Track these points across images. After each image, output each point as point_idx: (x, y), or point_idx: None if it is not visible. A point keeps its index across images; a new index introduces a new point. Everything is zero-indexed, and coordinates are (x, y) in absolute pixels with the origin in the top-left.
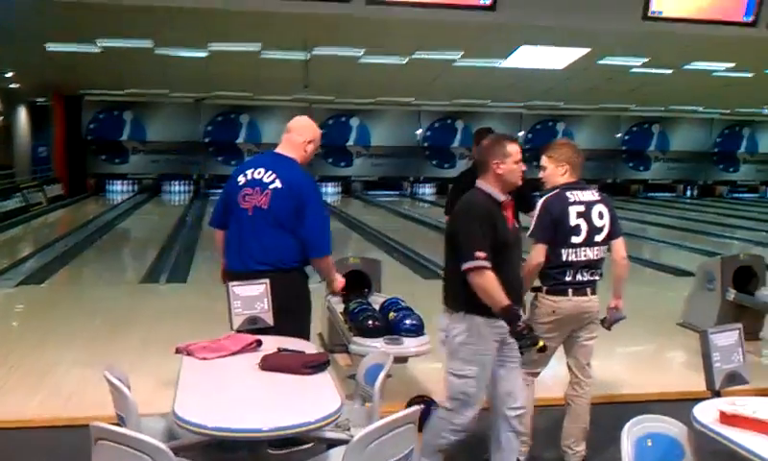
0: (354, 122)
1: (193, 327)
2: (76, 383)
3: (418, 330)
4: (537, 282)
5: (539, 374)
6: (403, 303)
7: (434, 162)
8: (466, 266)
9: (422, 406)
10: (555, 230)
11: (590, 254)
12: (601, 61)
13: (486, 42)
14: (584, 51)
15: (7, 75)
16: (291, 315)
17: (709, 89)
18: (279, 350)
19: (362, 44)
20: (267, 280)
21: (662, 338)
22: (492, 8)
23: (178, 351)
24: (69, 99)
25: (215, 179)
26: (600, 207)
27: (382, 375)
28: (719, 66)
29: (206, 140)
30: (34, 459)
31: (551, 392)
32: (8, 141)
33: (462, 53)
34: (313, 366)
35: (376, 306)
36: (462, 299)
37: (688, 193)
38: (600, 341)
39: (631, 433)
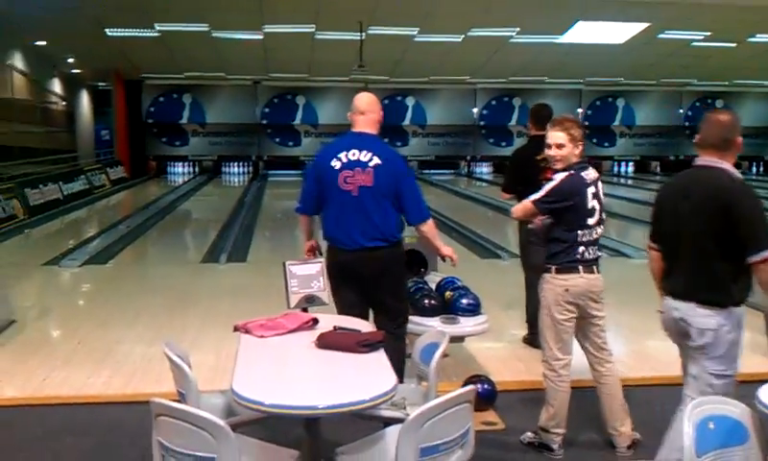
0: (410, 101)
1: (251, 305)
2: (139, 360)
3: (474, 310)
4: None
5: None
6: (459, 283)
7: (491, 140)
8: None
9: (478, 385)
10: (563, 209)
11: (600, 231)
12: (661, 36)
13: (543, 18)
14: (643, 25)
15: (68, 60)
16: (400, 283)
17: None
18: (335, 328)
19: (417, 23)
20: (322, 260)
21: None
22: None
23: (236, 328)
24: (129, 83)
25: (273, 160)
26: (600, 185)
27: (438, 353)
28: None
29: (264, 122)
30: (99, 434)
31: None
32: (71, 125)
33: (518, 29)
34: (368, 344)
35: (432, 285)
36: (734, 292)
37: (753, 169)
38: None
39: (692, 416)
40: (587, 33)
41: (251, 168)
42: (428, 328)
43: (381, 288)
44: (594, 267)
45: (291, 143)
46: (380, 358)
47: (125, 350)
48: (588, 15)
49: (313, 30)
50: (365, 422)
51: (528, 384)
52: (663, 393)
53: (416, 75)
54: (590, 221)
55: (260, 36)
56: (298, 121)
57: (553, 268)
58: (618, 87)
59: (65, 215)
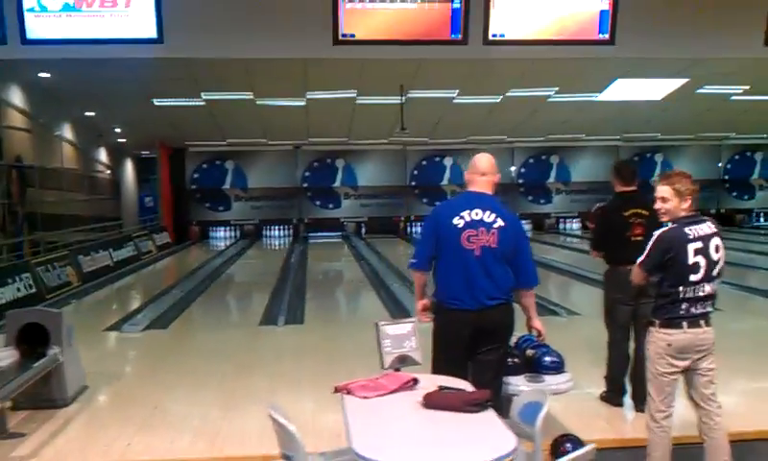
0: (448, 162)
1: (316, 367)
2: (218, 423)
3: (558, 367)
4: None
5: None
6: (538, 341)
7: (529, 198)
8: None
9: (568, 445)
10: (666, 265)
11: (708, 288)
12: (700, 91)
13: (582, 77)
14: (682, 81)
15: (115, 130)
16: (510, 338)
17: None
18: (440, 388)
19: (457, 85)
20: (415, 319)
21: None
22: (611, 42)
23: (337, 390)
24: (173, 151)
25: (314, 223)
26: (716, 241)
27: (543, 413)
28: None
29: (304, 185)
30: None
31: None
32: (116, 193)
33: (557, 89)
34: (476, 404)
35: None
36: None
37: None
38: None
39: None
40: (625, 90)
41: (291, 231)
42: (512, 387)
43: (493, 343)
44: (702, 321)
45: (331, 205)
46: (492, 418)
47: (201, 413)
48: (627, 73)
49: (354, 95)
50: None
51: (614, 442)
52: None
53: (453, 136)
54: (693, 277)
55: (303, 103)
56: (338, 183)
57: (657, 322)
58: (656, 143)
59: (117, 281)
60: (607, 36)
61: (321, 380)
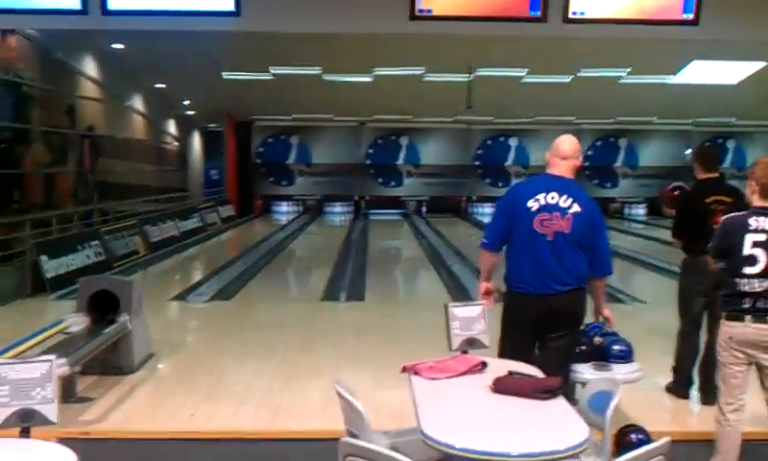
0: (513, 142)
1: (375, 343)
2: (281, 396)
3: (627, 356)
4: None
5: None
6: (606, 329)
7: (595, 182)
8: None
9: (633, 435)
10: (725, 254)
11: (767, 285)
12: None
13: (657, 58)
14: (761, 64)
15: (184, 102)
16: (580, 324)
17: None
18: (510, 373)
19: (526, 64)
20: (484, 302)
21: None
22: (695, 22)
23: (404, 369)
24: (240, 124)
25: (375, 200)
26: None
27: (614, 403)
28: None
29: (368, 162)
30: None
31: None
32: (182, 165)
33: (629, 69)
34: (547, 391)
35: None
36: None
37: None
38: None
39: None
40: (700, 73)
41: (352, 208)
42: (578, 374)
43: (562, 330)
44: None
45: (393, 183)
46: (564, 406)
47: (264, 385)
48: (704, 55)
49: (422, 72)
50: None
51: (678, 435)
52: None
53: (520, 115)
54: (748, 269)
55: (370, 79)
56: (401, 161)
57: (723, 313)
58: (729, 128)
59: (182, 252)
60: (691, 15)
61: (381, 357)
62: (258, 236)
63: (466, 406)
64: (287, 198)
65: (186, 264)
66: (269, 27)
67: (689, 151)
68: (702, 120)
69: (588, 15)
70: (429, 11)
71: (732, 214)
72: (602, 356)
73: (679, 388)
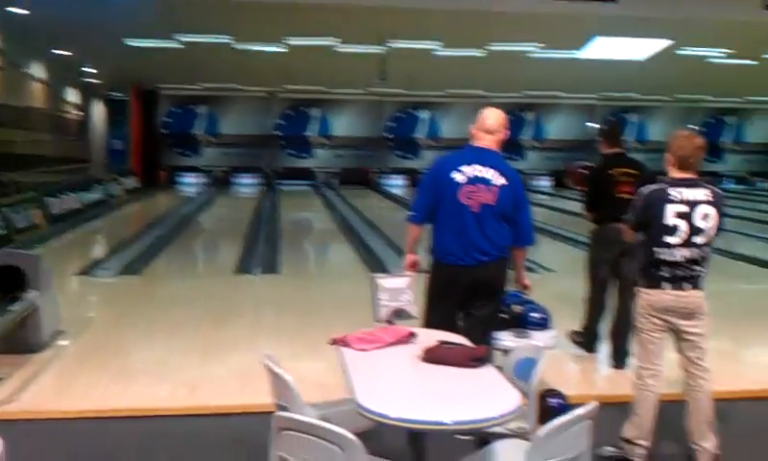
0: (424, 115)
1: (293, 316)
2: (197, 372)
3: (545, 324)
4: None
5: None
6: (524, 297)
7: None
8: None
9: (551, 400)
10: (646, 224)
11: (687, 253)
12: (681, 52)
13: (563, 33)
14: (667, 42)
15: (88, 70)
16: (499, 297)
17: None
18: (440, 342)
19: (440, 37)
20: (411, 274)
21: None
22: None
23: (334, 341)
24: (145, 93)
25: (285, 172)
26: (707, 209)
27: (538, 369)
28: None
29: (277, 133)
30: (173, 447)
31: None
32: (84, 134)
33: (538, 44)
34: (477, 359)
35: None
36: None
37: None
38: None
39: None
40: (606, 48)
41: (262, 179)
42: (499, 342)
43: (486, 299)
44: (687, 284)
45: (304, 155)
46: (494, 374)
47: (178, 361)
48: (607, 31)
49: (335, 42)
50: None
51: (599, 399)
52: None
53: (432, 89)
54: (669, 239)
55: (283, 49)
56: (311, 133)
57: (641, 281)
58: (632, 102)
59: (85, 225)
60: None
61: (298, 331)
62: (165, 209)
63: (398, 376)
64: (194, 169)
65: (90, 238)
66: None
67: (592, 124)
68: (606, 94)
69: None
70: None
71: (652, 186)
72: (521, 324)
73: (587, 341)
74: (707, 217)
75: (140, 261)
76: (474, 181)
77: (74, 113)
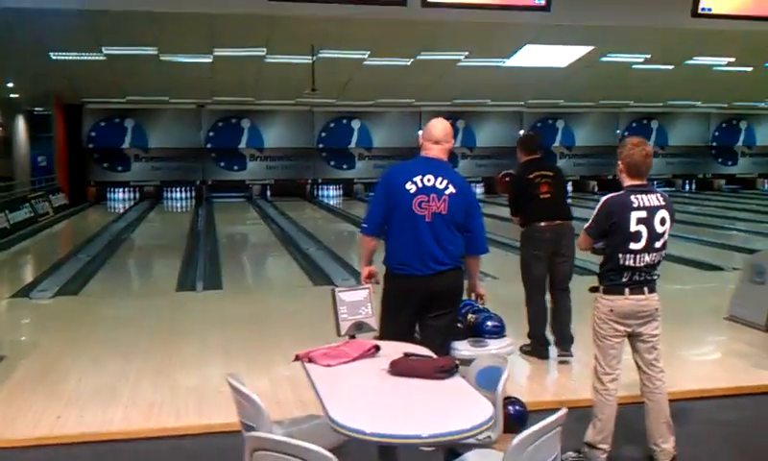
0: (356, 124)
1: (241, 332)
2: (151, 394)
3: (500, 332)
4: (594, 283)
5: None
6: (477, 306)
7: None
8: None
9: (509, 407)
10: (609, 232)
11: (648, 259)
12: (603, 59)
13: (493, 41)
14: (588, 48)
15: (8, 85)
16: (458, 304)
17: (709, 84)
18: (406, 354)
19: (368, 46)
20: (370, 286)
21: (714, 334)
22: (546, 8)
23: (297, 358)
24: (69, 107)
25: (218, 185)
26: (663, 213)
27: (504, 378)
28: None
29: (208, 146)
30: None
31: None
32: (7, 151)
33: (466, 53)
34: (444, 370)
35: None
36: None
37: (687, 187)
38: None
39: None
40: (532, 56)
41: (194, 193)
42: (456, 352)
43: (443, 309)
44: (646, 288)
45: (236, 167)
46: (462, 385)
47: (130, 385)
48: (536, 39)
49: (263, 53)
50: (428, 449)
51: (554, 404)
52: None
53: (362, 98)
54: (633, 245)
55: (209, 60)
56: (243, 144)
57: (601, 288)
58: (558, 109)
59: (15, 245)
60: (542, 2)
61: (249, 347)
62: (96, 226)
63: (367, 391)
64: (123, 184)
65: (21, 258)
66: (117, 5)
67: (521, 133)
68: (533, 102)
69: (446, 0)
70: None
71: (611, 195)
72: (476, 333)
73: (538, 349)
74: (663, 221)
75: (76, 281)
76: (426, 190)
77: None
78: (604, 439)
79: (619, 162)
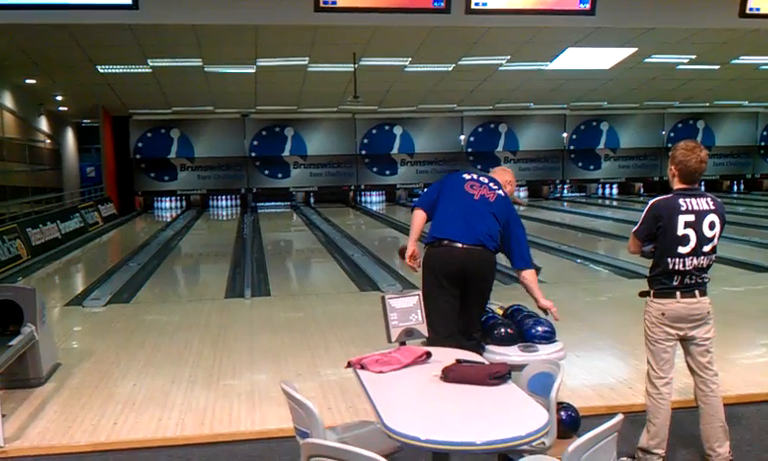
0: (398, 130)
1: (290, 338)
2: (203, 400)
3: (550, 337)
4: (645, 287)
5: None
6: (527, 310)
7: (478, 166)
8: None
9: (562, 413)
10: (657, 235)
11: (696, 262)
12: (647, 60)
13: (534, 46)
14: (631, 50)
15: (56, 98)
16: (489, 292)
17: (756, 83)
18: (458, 361)
19: (409, 53)
20: (419, 292)
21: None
22: (590, 12)
23: (349, 364)
24: (117, 119)
25: (262, 192)
26: (713, 217)
27: (557, 384)
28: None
29: (252, 155)
30: None
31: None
32: (57, 163)
33: (508, 57)
34: (498, 377)
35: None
36: None
37: (735, 188)
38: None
39: None
40: (574, 59)
41: (239, 201)
42: (507, 357)
43: (481, 281)
44: (697, 291)
45: (280, 175)
46: (516, 391)
47: (183, 390)
48: (578, 43)
49: (306, 62)
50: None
51: (603, 409)
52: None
53: (403, 105)
54: (681, 249)
55: (252, 70)
56: (287, 153)
57: (652, 291)
58: (602, 111)
59: (66, 255)
60: (587, 6)
61: (297, 353)
62: (145, 235)
63: (420, 397)
64: (170, 193)
65: (73, 267)
66: (169, 19)
67: (565, 135)
68: (576, 104)
69: (489, 6)
70: (334, 2)
71: (659, 198)
72: (526, 338)
73: None
74: (713, 225)
75: (128, 289)
76: (479, 182)
77: (45, 142)
78: (658, 444)
79: (672, 166)
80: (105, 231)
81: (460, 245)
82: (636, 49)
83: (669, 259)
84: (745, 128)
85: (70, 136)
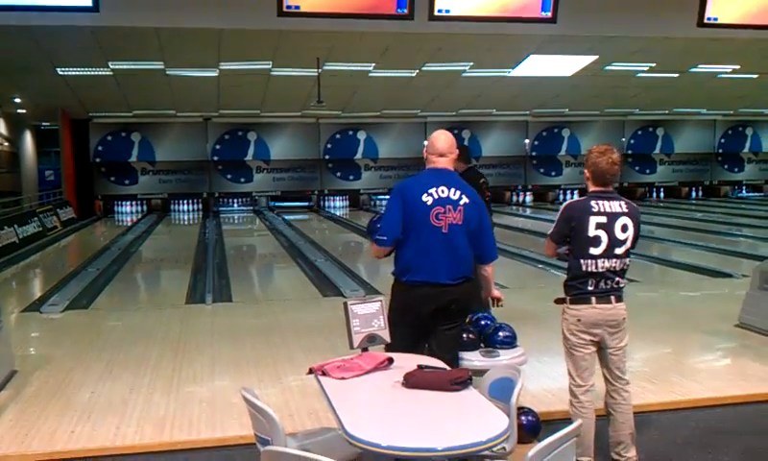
0: (362, 135)
1: (253, 345)
2: (163, 408)
3: (511, 342)
4: (561, 294)
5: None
6: (488, 315)
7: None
8: None
9: (522, 418)
10: (571, 236)
11: (608, 264)
12: (608, 68)
13: (497, 52)
14: (592, 58)
15: (15, 100)
16: (465, 316)
17: (713, 91)
18: (420, 367)
19: (373, 58)
20: (382, 298)
21: (725, 341)
22: (552, 20)
23: (311, 371)
24: (76, 122)
25: (224, 197)
26: (625, 220)
27: (518, 389)
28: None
29: (215, 159)
30: None
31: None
32: (14, 166)
33: (471, 63)
34: (459, 382)
35: None
36: None
37: (693, 194)
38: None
39: None
40: (537, 66)
41: (201, 205)
42: (468, 362)
43: (455, 319)
44: (612, 297)
45: (243, 179)
46: (476, 397)
47: (143, 398)
48: (540, 50)
49: (269, 66)
50: None
51: (564, 414)
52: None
53: (367, 110)
54: (594, 250)
55: (215, 73)
56: (250, 157)
57: (568, 298)
58: (564, 118)
59: (24, 259)
60: (549, 14)
61: (260, 360)
62: (104, 239)
63: (382, 403)
64: (131, 197)
65: (31, 272)
66: (129, 22)
67: (527, 141)
68: (539, 111)
69: (452, 13)
70: (297, 7)
71: (573, 200)
72: (488, 343)
73: None
74: (625, 228)
75: (86, 295)
76: (442, 202)
77: (2, 145)
78: (584, 452)
79: (585, 169)
80: (63, 236)
81: (432, 284)
82: (597, 57)
83: (582, 261)
84: (703, 135)
85: (29, 139)
